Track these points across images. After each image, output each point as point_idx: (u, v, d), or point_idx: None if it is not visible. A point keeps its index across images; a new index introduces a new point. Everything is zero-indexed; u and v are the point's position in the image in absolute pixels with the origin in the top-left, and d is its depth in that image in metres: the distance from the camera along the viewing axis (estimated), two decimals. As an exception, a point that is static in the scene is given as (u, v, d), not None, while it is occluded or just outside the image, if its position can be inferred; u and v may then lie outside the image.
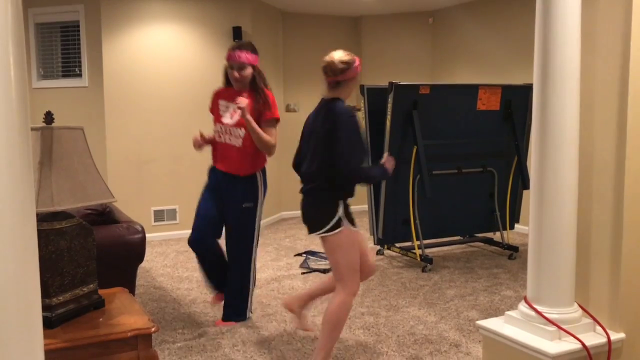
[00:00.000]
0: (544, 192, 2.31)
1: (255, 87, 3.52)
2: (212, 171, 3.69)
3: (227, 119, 3.55)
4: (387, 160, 3.01)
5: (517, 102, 5.39)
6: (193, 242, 3.65)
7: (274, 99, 3.59)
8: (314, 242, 6.08)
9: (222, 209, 3.64)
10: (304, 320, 3.27)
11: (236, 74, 3.48)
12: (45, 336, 1.62)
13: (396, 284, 4.60)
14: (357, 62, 2.93)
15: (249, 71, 3.49)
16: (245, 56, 3.47)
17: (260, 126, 3.45)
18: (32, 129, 2.11)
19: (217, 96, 3.68)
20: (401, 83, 4.80)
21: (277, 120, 3.55)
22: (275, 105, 3.57)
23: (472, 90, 5.20)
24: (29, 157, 1.41)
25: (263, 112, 3.50)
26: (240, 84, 3.52)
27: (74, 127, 2.32)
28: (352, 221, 2.95)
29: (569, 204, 2.30)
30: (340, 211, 2.86)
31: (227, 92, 3.62)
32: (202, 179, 3.83)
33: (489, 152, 5.45)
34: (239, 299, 3.74)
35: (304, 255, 5.51)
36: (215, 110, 3.66)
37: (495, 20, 6.77)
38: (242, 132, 3.50)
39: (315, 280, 4.68)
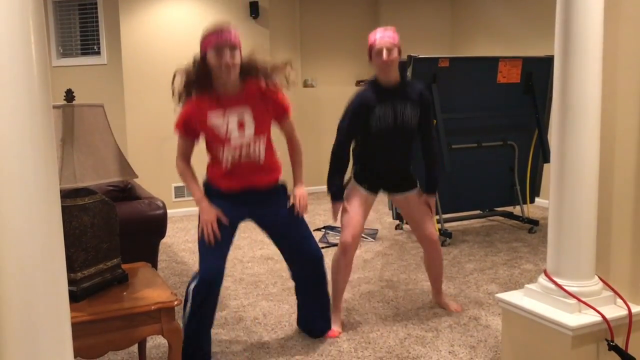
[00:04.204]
0: (564, 165, 2.29)
1: (251, 76, 2.73)
2: (230, 193, 2.94)
3: (240, 135, 2.75)
4: (336, 210, 3.30)
5: (538, 74, 5.30)
6: (216, 278, 2.79)
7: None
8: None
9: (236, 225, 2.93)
10: (447, 301, 3.56)
11: (228, 57, 2.59)
12: (72, 309, 1.66)
13: (415, 258, 4.61)
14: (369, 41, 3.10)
15: (239, 56, 2.66)
16: (235, 35, 2.64)
17: (283, 127, 2.92)
18: (54, 107, 2.13)
19: (200, 110, 2.71)
20: (420, 56, 4.75)
21: None
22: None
23: (492, 63, 5.13)
24: (51, 135, 1.44)
25: (280, 109, 2.82)
26: (231, 77, 2.65)
27: (95, 104, 2.34)
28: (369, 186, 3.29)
29: (590, 176, 2.27)
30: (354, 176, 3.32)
31: (210, 99, 2.71)
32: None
33: (509, 126, 5.38)
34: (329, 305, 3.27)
35: (323, 230, 5.54)
36: (208, 130, 2.77)
37: (516, -9, 6.64)
38: (264, 139, 2.82)
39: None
